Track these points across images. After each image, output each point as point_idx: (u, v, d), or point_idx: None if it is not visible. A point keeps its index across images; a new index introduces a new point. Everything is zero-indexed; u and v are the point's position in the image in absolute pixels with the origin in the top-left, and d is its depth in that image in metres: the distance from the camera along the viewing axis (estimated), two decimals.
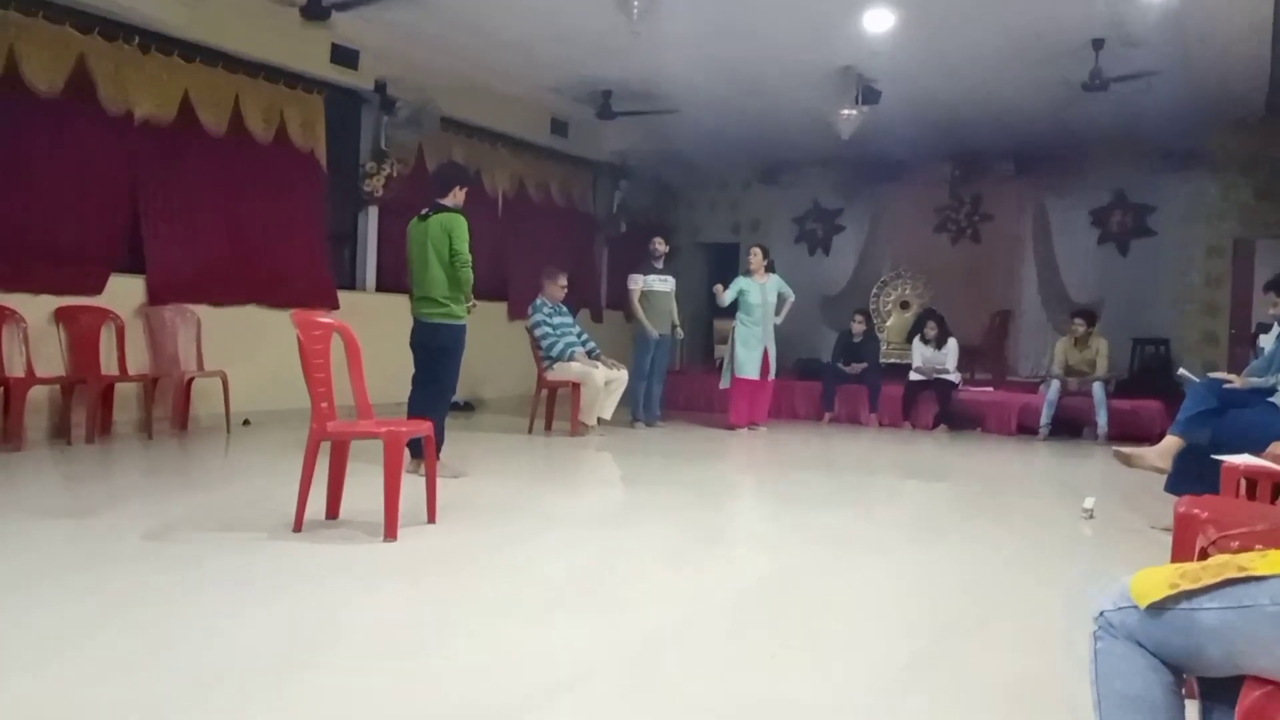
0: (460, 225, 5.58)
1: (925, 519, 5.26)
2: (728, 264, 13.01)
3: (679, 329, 9.15)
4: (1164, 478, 4.71)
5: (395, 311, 9.52)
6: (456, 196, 5.73)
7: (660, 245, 9.04)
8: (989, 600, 3.60)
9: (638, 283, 8.86)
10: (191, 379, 7.40)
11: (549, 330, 8.23)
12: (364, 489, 4.69)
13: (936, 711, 2.56)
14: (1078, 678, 1.90)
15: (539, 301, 8.32)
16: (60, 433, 6.75)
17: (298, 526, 4.18)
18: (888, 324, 12.23)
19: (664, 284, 8.97)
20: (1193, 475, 4.36)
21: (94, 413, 6.72)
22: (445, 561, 3.88)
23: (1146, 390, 9.53)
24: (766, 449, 8.19)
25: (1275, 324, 5.78)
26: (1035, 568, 4.14)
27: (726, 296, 8.89)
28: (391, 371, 8.29)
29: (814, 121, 10.58)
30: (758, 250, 9.01)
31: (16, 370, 6.46)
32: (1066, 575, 4.01)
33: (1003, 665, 2.89)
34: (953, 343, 9.90)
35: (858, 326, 10.38)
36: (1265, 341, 6.07)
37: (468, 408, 10.00)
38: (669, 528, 4.66)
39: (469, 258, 5.59)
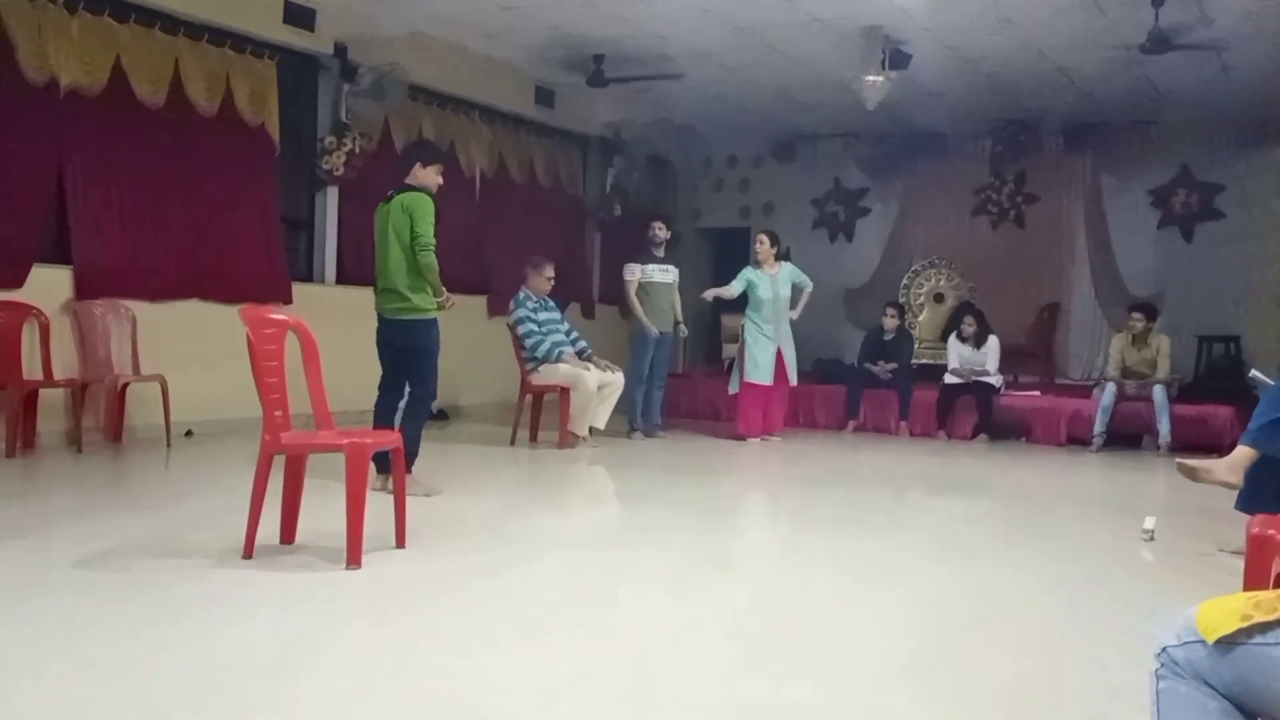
0: (423, 204, 5.61)
1: (957, 542, 5.28)
2: (736, 252, 13.03)
3: (682, 325, 9.17)
4: (1235, 494, 4.71)
5: (358, 306, 9.49)
6: (421, 175, 5.75)
7: (661, 231, 9.05)
8: (1026, 635, 3.60)
9: (635, 273, 8.87)
10: (126, 384, 7.40)
11: (534, 328, 8.23)
12: (323, 509, 4.69)
13: None
14: None
15: (522, 295, 8.32)
16: None
17: (248, 552, 4.18)
18: (920, 320, 12.25)
19: (665, 275, 8.97)
20: (1268, 491, 4.36)
21: (15, 422, 6.72)
22: (417, 591, 3.89)
23: (1214, 394, 9.54)
24: (781, 462, 8.19)
25: None
26: (1086, 599, 4.15)
27: (734, 286, 8.90)
28: (355, 375, 8.26)
29: (835, 89, 10.60)
30: (765, 237, 9.02)
31: None
32: (1123, 606, 4.02)
33: (1040, 714, 2.89)
34: (993, 341, 9.92)
35: (890, 322, 10.38)
36: None
37: (441, 416, 10.00)
38: (670, 552, 4.68)
39: (431, 241, 5.59)
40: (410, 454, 5.72)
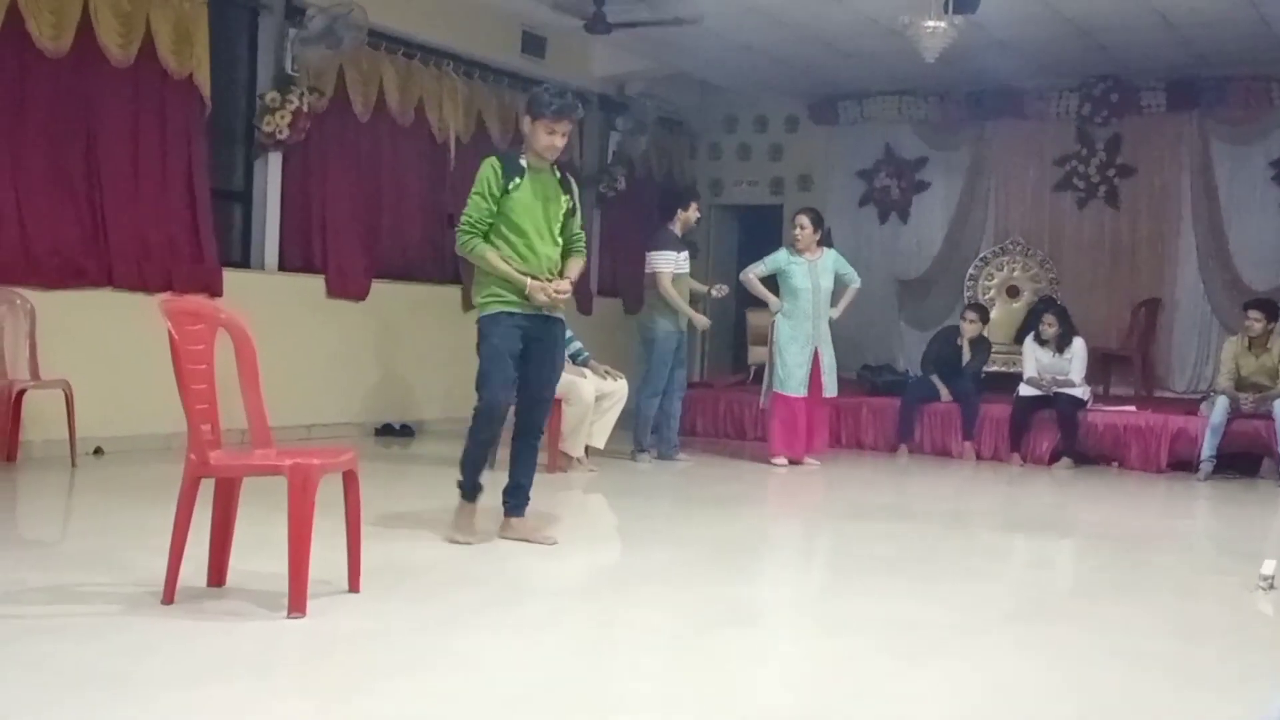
0: (481, 170, 5.54)
1: (1033, 597, 5.28)
2: (766, 235, 13.03)
3: (719, 288, 9.28)
4: None
5: (305, 298, 9.60)
6: (526, 130, 5.61)
7: (696, 212, 9.11)
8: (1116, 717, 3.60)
9: (670, 263, 8.81)
10: (23, 391, 7.42)
11: None
12: (260, 546, 4.69)
13: None
14: None
15: None
16: None
17: (168, 597, 4.19)
18: (990, 318, 12.22)
19: (688, 262, 9.04)
20: None
21: None
22: (370, 648, 3.90)
23: None
24: (819, 493, 8.20)
25: None
26: (1190, 663, 4.14)
27: (760, 268, 8.86)
28: (301, 383, 8.29)
29: (887, 37, 10.58)
30: (805, 219, 8.98)
31: None
32: (1235, 671, 4.02)
33: None
34: (1079, 344, 9.90)
35: (970, 328, 10.31)
36: None
37: (405, 432, 10.02)
38: (677, 609, 4.67)
39: (468, 217, 5.48)
40: (461, 483, 5.72)
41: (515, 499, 5.76)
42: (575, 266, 5.74)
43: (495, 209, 5.45)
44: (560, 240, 5.64)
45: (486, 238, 5.47)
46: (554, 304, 5.54)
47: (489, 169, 5.48)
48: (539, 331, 5.58)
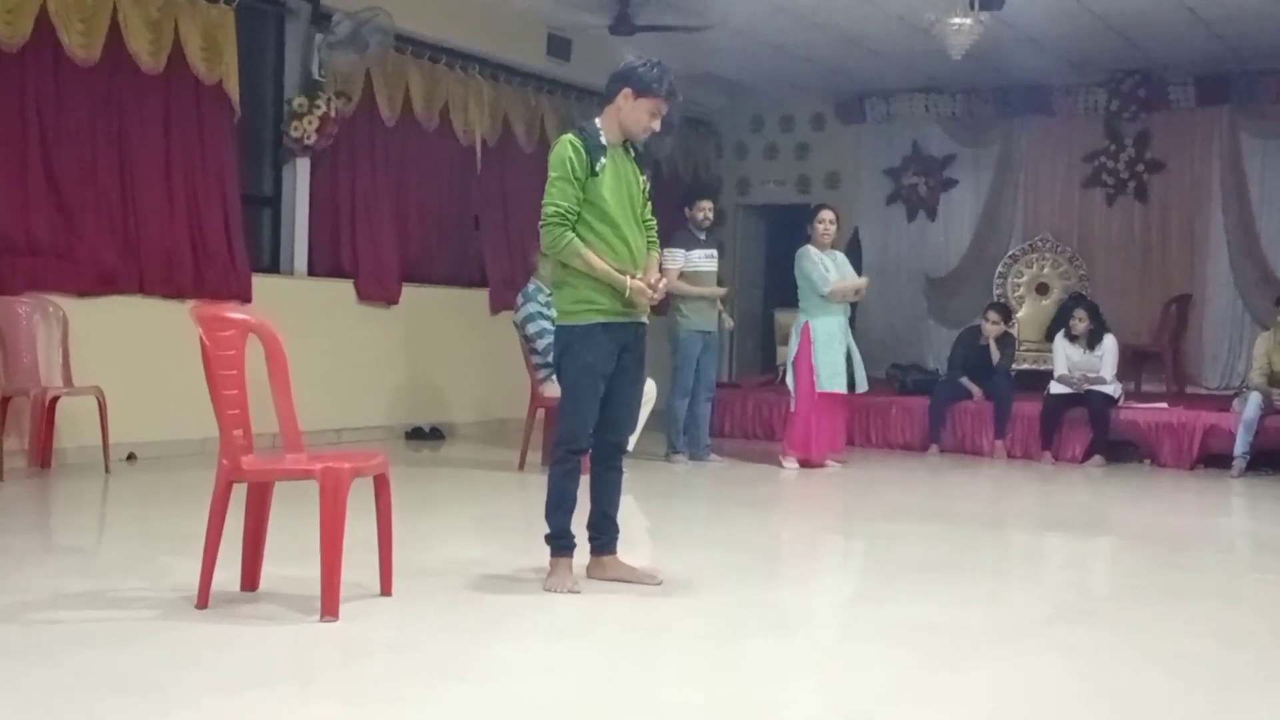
0: (556, 151, 4.77)
1: (1067, 600, 5.23)
2: (793, 234, 12.94)
3: (725, 315, 9.17)
4: None
5: (334, 303, 9.63)
6: (616, 105, 4.78)
7: (705, 211, 9.03)
8: None
9: (679, 260, 8.79)
10: (56, 398, 7.46)
11: (547, 326, 8.21)
12: (292, 550, 4.70)
13: None
14: None
15: (532, 287, 8.33)
16: None
17: (202, 602, 4.21)
18: (1018, 316, 12.17)
19: (710, 261, 9.00)
20: None
21: None
22: (404, 652, 3.90)
23: None
24: (851, 495, 8.17)
25: None
26: (1228, 669, 4.09)
27: (830, 277, 8.75)
28: (331, 387, 8.31)
29: (913, 35, 10.55)
30: (832, 214, 8.94)
31: None
32: (1277, 677, 3.96)
33: None
34: (1110, 341, 9.85)
35: (991, 329, 10.26)
36: None
37: (435, 435, 10.03)
38: (711, 614, 4.65)
39: (555, 206, 4.67)
40: (549, 535, 4.85)
41: (605, 533, 4.97)
42: (655, 263, 4.97)
43: (582, 195, 4.70)
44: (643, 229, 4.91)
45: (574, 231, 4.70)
46: (647, 306, 4.83)
47: (568, 149, 4.68)
48: (630, 340, 4.84)
